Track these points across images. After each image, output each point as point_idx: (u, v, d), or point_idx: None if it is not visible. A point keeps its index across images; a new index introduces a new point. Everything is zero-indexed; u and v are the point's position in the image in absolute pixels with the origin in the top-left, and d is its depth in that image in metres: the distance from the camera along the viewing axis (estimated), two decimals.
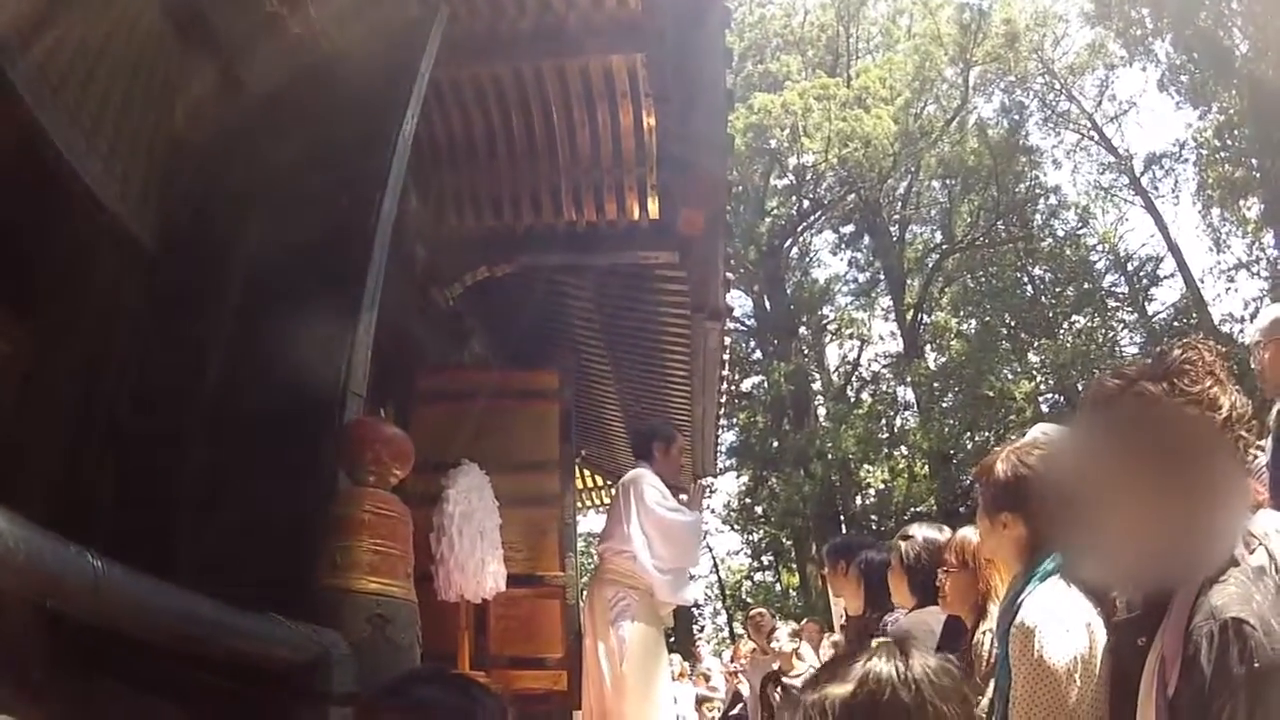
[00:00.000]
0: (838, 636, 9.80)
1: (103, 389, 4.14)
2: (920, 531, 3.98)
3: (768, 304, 29.96)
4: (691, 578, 6.21)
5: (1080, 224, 29.31)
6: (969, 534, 3.20)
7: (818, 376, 30.51)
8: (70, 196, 3.87)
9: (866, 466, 26.92)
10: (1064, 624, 2.12)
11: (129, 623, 2.18)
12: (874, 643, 1.71)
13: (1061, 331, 26.32)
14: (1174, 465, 1.68)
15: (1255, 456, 3.47)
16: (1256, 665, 1.49)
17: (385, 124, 4.36)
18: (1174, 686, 1.59)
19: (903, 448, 26.95)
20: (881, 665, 1.57)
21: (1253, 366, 4.53)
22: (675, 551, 6.02)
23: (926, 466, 25.96)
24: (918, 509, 24.29)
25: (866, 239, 31.15)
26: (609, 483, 13.61)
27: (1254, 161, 23.42)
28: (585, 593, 6.37)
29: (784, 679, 8.76)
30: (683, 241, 7.10)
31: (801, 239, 31.65)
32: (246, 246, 4.25)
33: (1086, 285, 27.67)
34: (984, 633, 3.06)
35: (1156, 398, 1.70)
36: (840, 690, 1.57)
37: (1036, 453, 2.48)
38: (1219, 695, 1.49)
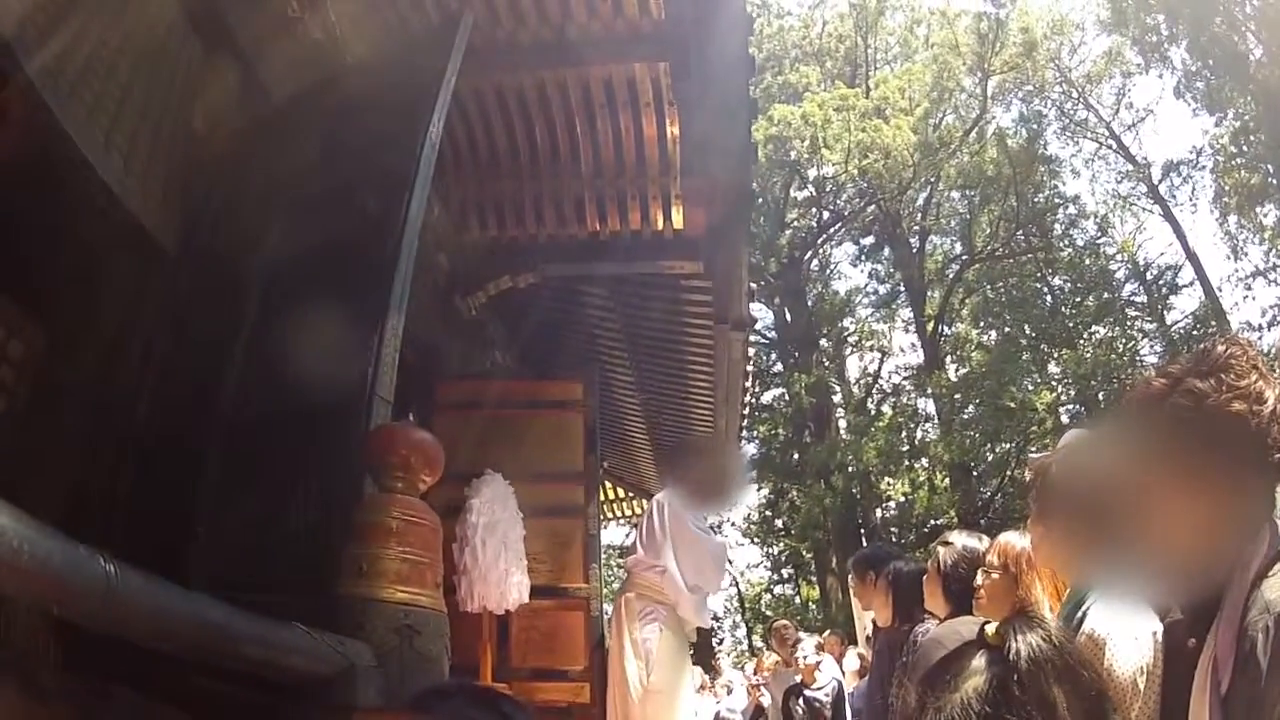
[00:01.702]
0: (862, 649, 9.76)
1: (120, 391, 4.11)
2: (960, 539, 3.92)
3: (788, 316, 29.88)
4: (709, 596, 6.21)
5: (1099, 233, 29.23)
6: (1013, 538, 3.13)
7: (838, 389, 30.36)
8: (88, 196, 3.85)
9: (887, 479, 26.78)
10: (1133, 633, 2.08)
11: (143, 630, 2.11)
12: (988, 629, 1.67)
13: (1082, 342, 26.10)
14: (1226, 462, 1.65)
15: None
16: None
17: (411, 127, 4.33)
18: (1227, 684, 1.55)
19: (924, 460, 26.79)
20: (1027, 639, 1.56)
21: (1276, 373, 4.43)
22: (702, 571, 5.99)
23: (947, 478, 25.80)
24: (939, 521, 24.15)
25: (886, 250, 31.04)
26: (631, 495, 13.60)
27: (1270, 168, 23.39)
28: (612, 606, 6.33)
29: (806, 691, 8.72)
30: (706, 251, 7.08)
31: (822, 251, 31.59)
32: (270, 249, 4.23)
33: (1106, 295, 27.48)
34: None
35: (1205, 394, 1.67)
36: (976, 681, 1.54)
37: (1086, 456, 2.42)
38: (1274, 689, 1.44)
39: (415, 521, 3.37)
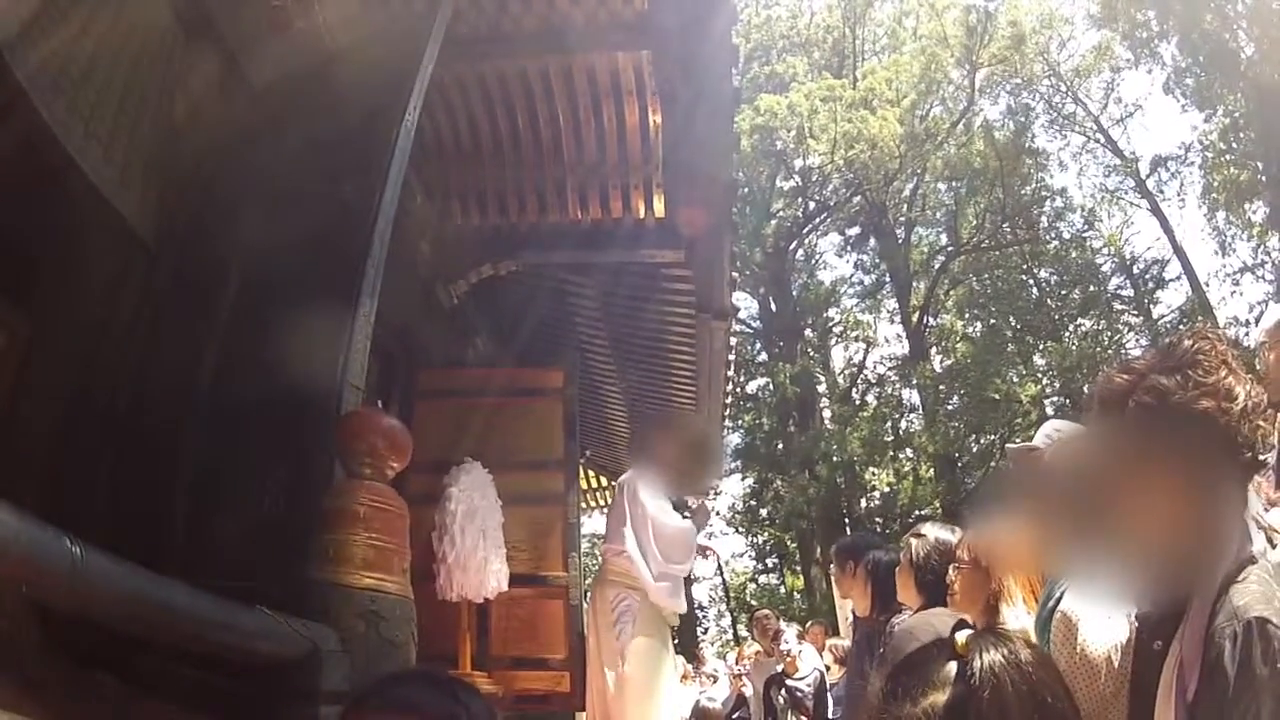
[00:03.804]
0: (842, 640, 9.76)
1: (100, 380, 4.09)
2: (932, 531, 3.91)
3: (773, 306, 29.91)
4: (689, 581, 6.17)
5: (1086, 226, 29.31)
6: (982, 531, 3.12)
7: (823, 379, 30.41)
8: (69, 187, 3.83)
9: (871, 469, 26.88)
10: (1106, 612, 2.06)
11: (108, 612, 2.11)
12: (958, 638, 1.63)
13: (1067, 334, 26.23)
14: (1191, 462, 1.59)
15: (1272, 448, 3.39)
16: None
17: (387, 116, 4.32)
18: (1194, 690, 1.50)
19: (908, 450, 26.92)
20: (991, 659, 1.52)
21: (1258, 368, 4.44)
22: (668, 555, 5.96)
23: (932, 469, 25.89)
24: (923, 512, 24.23)
25: (872, 241, 31.05)
26: (612, 483, 13.59)
27: (1259, 165, 23.37)
28: (589, 594, 6.32)
29: (788, 681, 8.73)
30: (688, 240, 7.06)
31: (807, 241, 31.62)
32: (246, 238, 4.21)
33: (1092, 288, 27.60)
34: None
35: (1170, 390, 1.60)
36: (936, 698, 1.51)
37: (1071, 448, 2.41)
38: (1242, 698, 1.40)
39: (383, 507, 3.36)
